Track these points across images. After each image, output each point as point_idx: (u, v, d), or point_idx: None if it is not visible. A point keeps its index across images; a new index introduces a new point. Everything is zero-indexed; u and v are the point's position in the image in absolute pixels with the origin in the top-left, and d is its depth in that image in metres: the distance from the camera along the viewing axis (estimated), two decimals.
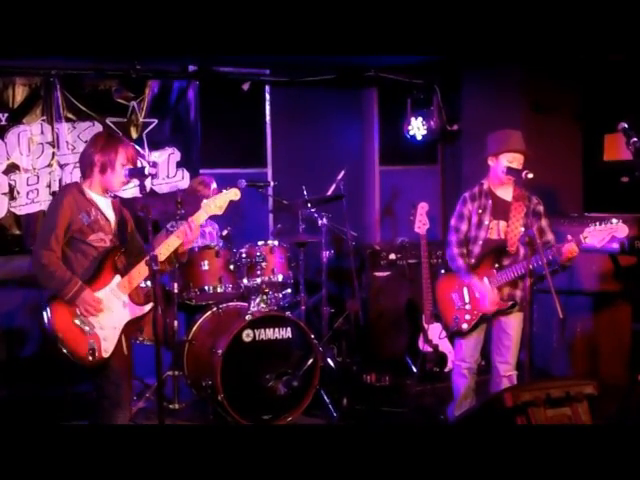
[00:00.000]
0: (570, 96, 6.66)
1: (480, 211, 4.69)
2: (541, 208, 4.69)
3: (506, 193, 4.72)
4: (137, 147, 6.62)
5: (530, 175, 4.34)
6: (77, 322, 3.84)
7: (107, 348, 3.90)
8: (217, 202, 4.15)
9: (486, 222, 4.68)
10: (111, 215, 4.09)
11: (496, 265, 4.63)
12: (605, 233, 4.29)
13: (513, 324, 4.70)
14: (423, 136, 7.39)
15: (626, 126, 4.19)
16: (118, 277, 3.98)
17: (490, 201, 4.70)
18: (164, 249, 4.01)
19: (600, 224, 4.30)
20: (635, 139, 4.12)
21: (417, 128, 7.38)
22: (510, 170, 4.52)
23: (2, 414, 5.31)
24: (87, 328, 3.85)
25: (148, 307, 4.04)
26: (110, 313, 3.93)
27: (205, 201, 4.16)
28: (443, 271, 4.98)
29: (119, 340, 3.95)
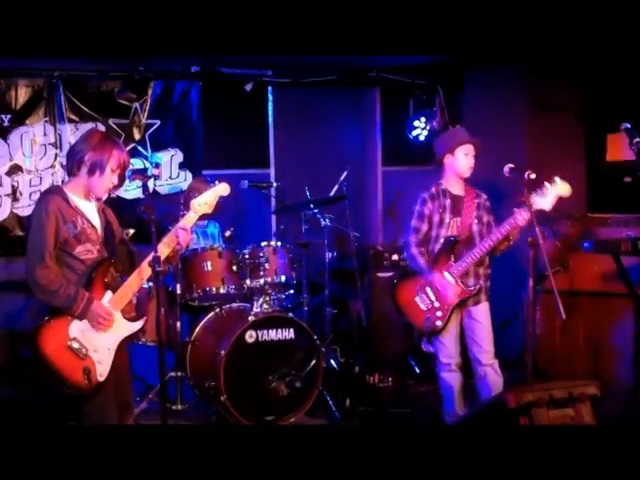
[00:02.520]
0: (573, 96, 6.65)
1: (441, 210, 4.80)
2: (488, 204, 4.87)
3: (460, 190, 4.86)
4: (140, 148, 6.64)
5: (533, 175, 4.38)
6: (71, 346, 3.60)
7: (102, 372, 3.66)
8: (205, 199, 3.94)
9: (447, 220, 4.79)
10: (97, 221, 3.82)
11: (452, 257, 4.71)
12: (551, 195, 4.40)
13: (482, 312, 4.80)
14: (426, 137, 7.38)
15: (629, 126, 4.20)
16: (109, 293, 3.74)
17: (448, 200, 4.82)
18: None
19: (541, 187, 4.40)
20: (638, 139, 4.12)
21: (420, 129, 7.38)
22: (512, 171, 4.57)
23: (6, 414, 5.31)
24: (82, 352, 3.61)
25: (141, 323, 3.83)
26: (104, 334, 3.69)
27: (193, 201, 3.94)
28: (396, 281, 5.03)
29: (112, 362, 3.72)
